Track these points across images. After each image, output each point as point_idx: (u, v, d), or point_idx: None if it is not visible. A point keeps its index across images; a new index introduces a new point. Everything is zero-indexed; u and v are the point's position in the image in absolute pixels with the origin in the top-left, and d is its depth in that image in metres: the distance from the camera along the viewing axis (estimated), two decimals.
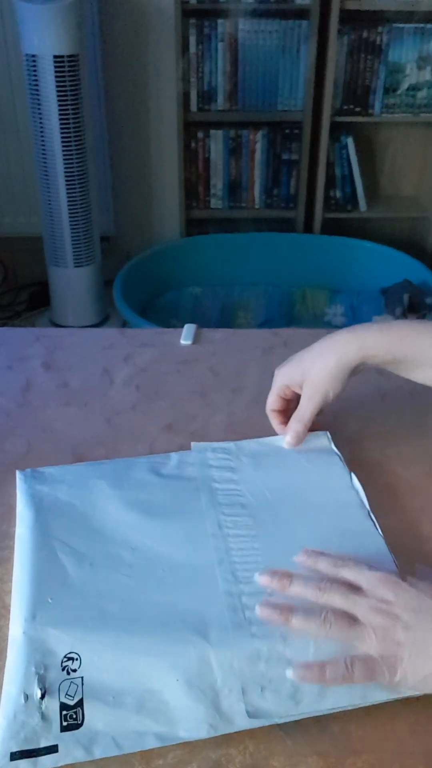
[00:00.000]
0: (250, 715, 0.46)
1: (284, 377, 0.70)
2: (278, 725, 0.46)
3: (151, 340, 0.94)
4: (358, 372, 0.66)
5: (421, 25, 2.18)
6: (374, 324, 0.67)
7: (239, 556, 0.57)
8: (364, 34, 2.19)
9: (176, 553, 0.57)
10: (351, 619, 0.49)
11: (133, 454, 0.71)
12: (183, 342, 0.93)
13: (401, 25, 2.18)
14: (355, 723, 0.47)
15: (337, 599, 0.51)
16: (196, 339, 0.94)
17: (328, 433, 0.73)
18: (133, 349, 0.91)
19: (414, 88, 2.28)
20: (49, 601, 0.52)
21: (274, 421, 0.73)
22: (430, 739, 0.46)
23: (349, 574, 0.53)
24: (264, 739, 0.46)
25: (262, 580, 0.54)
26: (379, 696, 0.47)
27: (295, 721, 0.46)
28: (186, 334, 0.94)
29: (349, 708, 0.47)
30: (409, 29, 2.19)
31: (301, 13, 2.16)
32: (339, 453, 0.70)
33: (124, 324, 2.26)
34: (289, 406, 0.72)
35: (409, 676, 0.47)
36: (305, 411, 0.69)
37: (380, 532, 0.60)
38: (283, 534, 0.60)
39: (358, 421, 0.77)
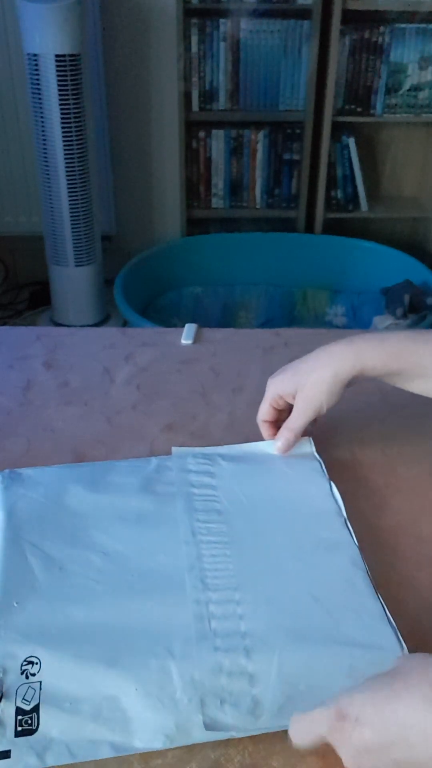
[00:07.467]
0: (207, 727, 0.45)
1: (277, 387, 0.69)
2: None
3: (152, 339, 0.94)
4: (354, 384, 0.66)
5: (423, 25, 2.18)
6: (371, 335, 0.66)
7: (210, 563, 0.57)
8: (366, 34, 2.19)
9: (147, 559, 0.57)
10: None
11: (134, 454, 0.71)
12: (184, 341, 0.93)
13: (403, 26, 2.18)
14: None
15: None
16: (197, 338, 0.94)
17: (311, 439, 0.72)
18: (133, 349, 0.91)
19: (415, 88, 2.28)
20: (15, 605, 0.52)
21: (265, 431, 0.72)
22: None
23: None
24: (263, 738, 0.46)
25: None
26: None
27: None
28: (187, 334, 0.94)
29: None
30: (411, 29, 2.19)
31: (303, 13, 2.16)
32: (320, 459, 0.70)
33: (125, 323, 2.26)
34: (281, 416, 0.71)
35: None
36: (297, 421, 0.68)
37: (356, 542, 0.59)
38: (256, 541, 0.59)
39: (358, 420, 0.77)
